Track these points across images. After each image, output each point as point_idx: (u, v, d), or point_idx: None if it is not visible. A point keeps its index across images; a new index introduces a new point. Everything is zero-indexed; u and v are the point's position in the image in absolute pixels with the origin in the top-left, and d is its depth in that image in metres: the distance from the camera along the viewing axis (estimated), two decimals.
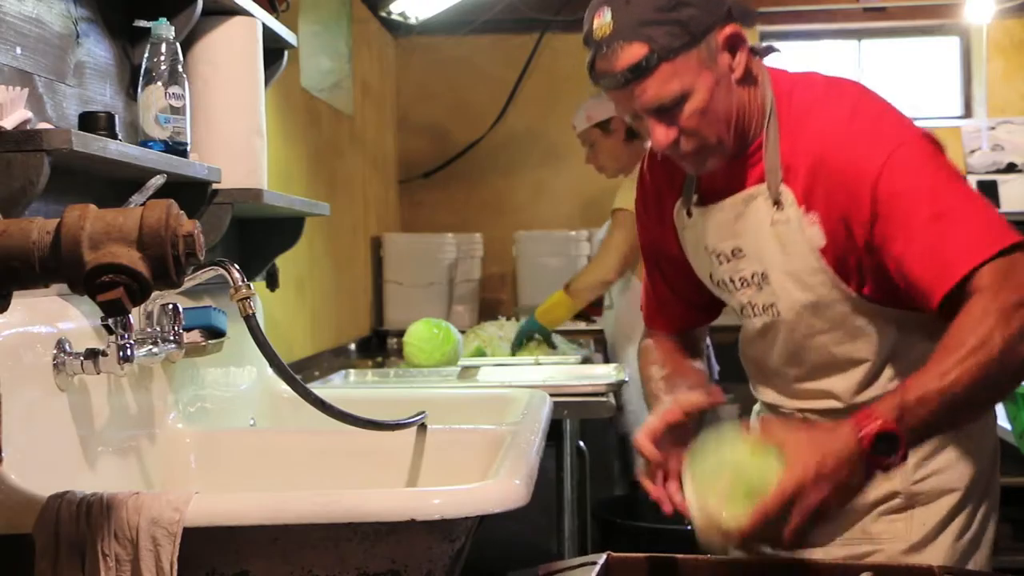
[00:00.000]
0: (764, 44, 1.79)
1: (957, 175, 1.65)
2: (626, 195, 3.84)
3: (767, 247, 1.75)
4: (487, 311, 4.88)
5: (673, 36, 1.61)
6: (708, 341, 3.95)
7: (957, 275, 1.54)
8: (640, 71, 1.63)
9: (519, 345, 3.77)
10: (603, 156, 4.01)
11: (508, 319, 4.14)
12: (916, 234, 1.59)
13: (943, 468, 1.80)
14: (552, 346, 3.83)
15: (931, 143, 1.66)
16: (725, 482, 1.50)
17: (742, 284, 1.81)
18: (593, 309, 4.23)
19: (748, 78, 1.71)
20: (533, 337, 3.80)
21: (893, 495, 1.79)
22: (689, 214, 1.85)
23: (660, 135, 1.70)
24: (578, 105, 4.09)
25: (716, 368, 4.00)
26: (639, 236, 2.02)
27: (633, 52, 1.63)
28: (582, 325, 4.43)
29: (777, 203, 1.72)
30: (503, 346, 3.81)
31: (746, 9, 1.72)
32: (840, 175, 1.64)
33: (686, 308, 2.01)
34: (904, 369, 1.71)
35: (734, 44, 1.67)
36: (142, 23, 1.96)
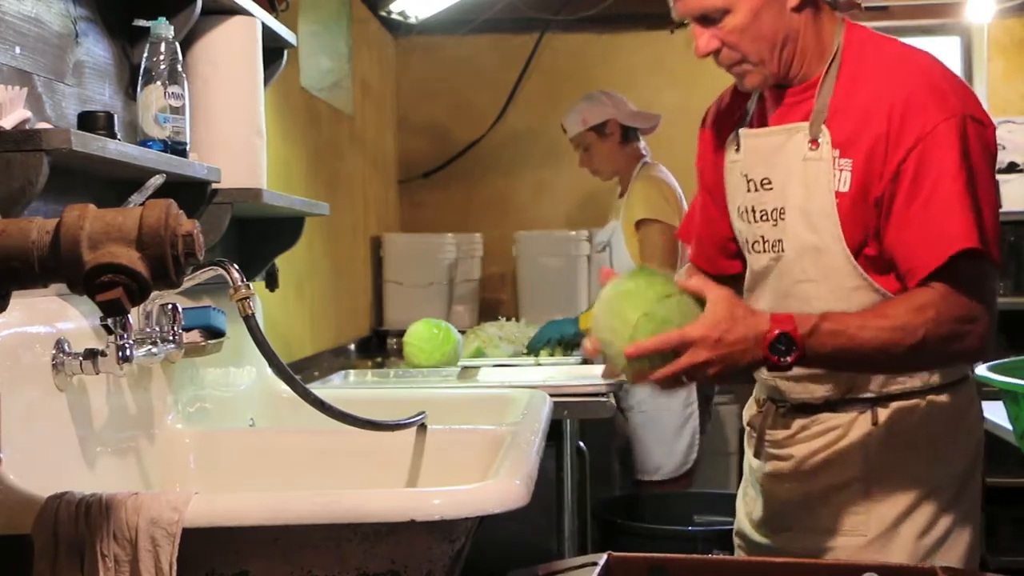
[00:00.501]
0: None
1: (981, 167, 1.77)
2: (645, 204, 3.82)
3: (792, 182, 1.83)
4: (487, 311, 4.88)
5: None
6: None
7: (933, 264, 1.69)
8: None
9: (544, 347, 3.73)
10: (598, 159, 4.00)
11: (508, 319, 4.14)
12: (915, 212, 1.71)
13: (900, 465, 1.85)
14: (574, 347, 3.79)
15: (975, 126, 1.76)
16: (640, 307, 1.65)
17: (761, 217, 1.89)
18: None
19: (806, 10, 1.80)
20: (560, 342, 3.77)
21: (852, 480, 1.86)
22: (738, 148, 1.95)
23: (701, 42, 1.83)
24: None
25: None
26: (699, 156, 2.12)
27: None
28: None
29: (814, 142, 1.80)
30: (503, 346, 3.80)
31: None
32: (893, 132, 1.72)
33: (718, 242, 2.07)
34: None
35: None
36: (141, 22, 1.96)
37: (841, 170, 1.77)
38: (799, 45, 1.82)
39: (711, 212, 2.07)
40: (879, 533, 1.85)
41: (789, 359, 1.64)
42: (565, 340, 3.75)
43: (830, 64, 1.82)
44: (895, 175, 1.73)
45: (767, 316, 1.67)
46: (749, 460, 2.11)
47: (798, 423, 1.93)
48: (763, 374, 1.97)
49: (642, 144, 4.04)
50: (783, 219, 1.85)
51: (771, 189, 1.87)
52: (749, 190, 1.91)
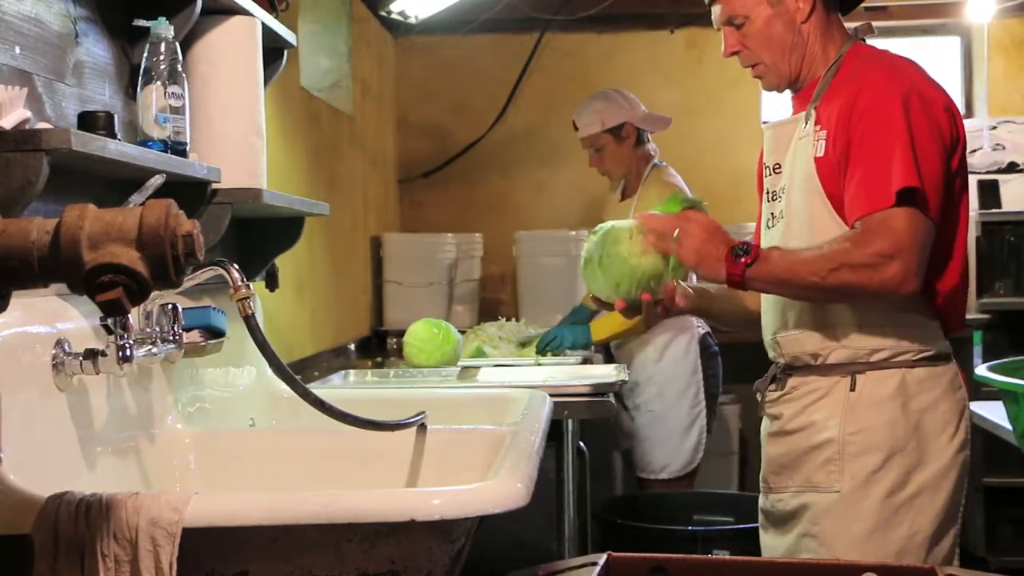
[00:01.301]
0: (864, 23, 2.23)
1: (921, 131, 1.98)
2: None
3: (790, 159, 2.15)
4: (487, 311, 4.88)
5: None
6: (714, 341, 3.97)
7: (876, 206, 1.96)
8: None
9: (556, 350, 3.72)
10: (610, 161, 3.96)
11: (508, 319, 4.14)
12: (859, 162, 2.00)
13: (869, 428, 2.08)
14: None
15: (918, 99, 2.00)
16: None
17: (774, 197, 2.21)
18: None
19: (814, 25, 2.14)
20: (572, 347, 3.75)
21: (829, 442, 2.10)
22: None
23: (727, 44, 2.19)
24: (580, 105, 4.05)
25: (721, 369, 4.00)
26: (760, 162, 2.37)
27: None
28: None
29: (806, 122, 2.12)
30: (503, 346, 3.80)
31: None
32: (849, 104, 2.03)
33: None
34: (829, 325, 2.11)
35: None
36: (141, 22, 1.96)
37: (818, 140, 2.08)
38: (807, 51, 2.15)
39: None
40: (851, 489, 2.08)
41: (744, 260, 1.98)
42: (577, 347, 3.74)
43: (830, 68, 2.14)
44: (848, 141, 2.02)
45: (727, 233, 2.05)
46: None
47: (790, 383, 2.18)
48: (767, 335, 2.25)
49: (651, 145, 4.01)
50: (786, 193, 2.15)
51: (780, 172, 2.19)
52: (768, 175, 2.23)
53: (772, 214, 2.20)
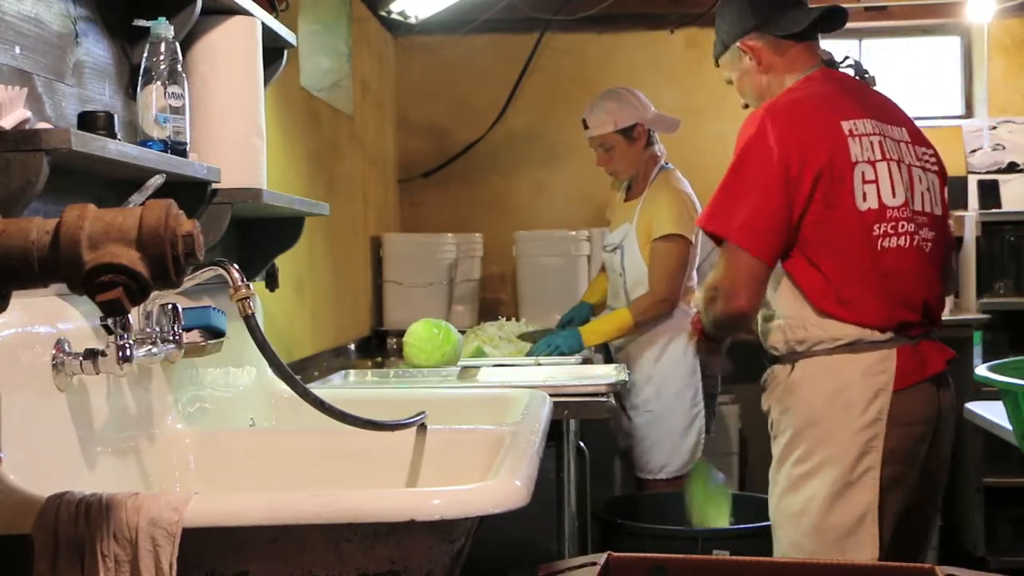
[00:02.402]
0: (828, 55, 2.64)
1: (750, 167, 2.41)
2: (678, 219, 3.79)
3: None
4: (487, 311, 4.88)
5: (717, 45, 2.67)
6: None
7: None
8: (716, 60, 2.72)
9: (544, 354, 3.73)
10: (620, 161, 3.94)
11: (508, 319, 4.14)
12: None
13: (789, 409, 2.46)
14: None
15: (761, 151, 2.40)
16: None
17: None
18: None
19: (766, 74, 2.60)
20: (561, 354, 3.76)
21: (771, 421, 2.53)
22: None
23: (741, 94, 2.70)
24: (590, 103, 4.01)
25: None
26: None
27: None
28: None
29: None
30: (503, 346, 3.80)
31: (770, 16, 2.60)
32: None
33: None
34: (777, 319, 2.51)
35: (745, 50, 2.61)
36: (141, 22, 1.96)
37: None
38: (771, 90, 2.58)
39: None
40: (776, 459, 2.49)
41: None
42: (572, 353, 3.73)
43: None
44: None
45: None
46: None
47: (766, 373, 2.56)
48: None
49: (659, 146, 4.00)
50: None
51: None
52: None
53: None
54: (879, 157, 2.42)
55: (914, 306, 2.42)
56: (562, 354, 3.67)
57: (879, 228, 2.39)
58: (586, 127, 3.95)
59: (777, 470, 2.48)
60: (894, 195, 2.40)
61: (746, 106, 2.66)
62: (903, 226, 2.40)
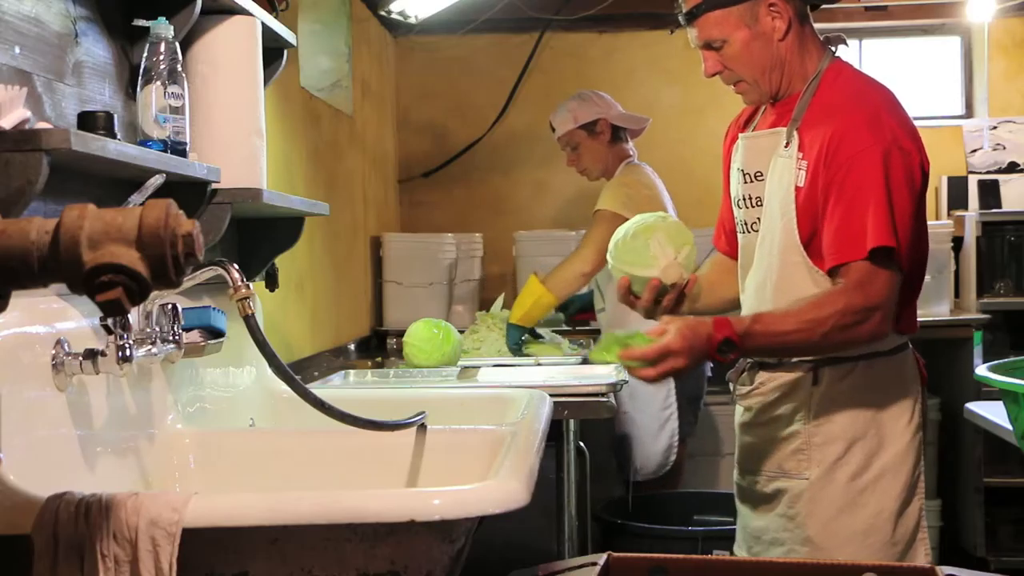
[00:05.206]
0: (836, 34, 2.31)
1: (899, 186, 2.10)
2: (609, 197, 3.84)
3: (773, 174, 2.24)
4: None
5: None
6: None
7: (849, 256, 2.10)
8: (692, 15, 2.21)
9: (519, 352, 3.75)
10: (587, 158, 3.98)
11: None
12: (839, 210, 2.11)
13: (831, 420, 2.24)
14: (539, 337, 3.83)
15: (899, 154, 2.11)
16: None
17: (749, 204, 2.31)
18: (586, 315, 4.22)
19: (791, 41, 2.20)
20: (524, 340, 3.80)
21: (796, 433, 2.27)
22: (738, 150, 2.36)
23: (707, 65, 2.25)
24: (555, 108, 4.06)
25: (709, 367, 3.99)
26: (724, 160, 2.45)
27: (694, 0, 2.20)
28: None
29: (788, 143, 2.21)
30: (503, 345, 3.81)
31: None
32: (833, 146, 2.13)
33: (732, 229, 2.45)
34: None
35: (776, 11, 2.18)
36: (141, 22, 1.96)
37: (800, 169, 2.18)
38: (785, 69, 2.23)
39: (729, 205, 2.45)
40: (819, 476, 2.24)
41: (731, 356, 2.11)
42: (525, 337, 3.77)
43: (809, 84, 2.23)
44: (828, 183, 2.13)
45: (709, 328, 2.07)
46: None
47: (758, 379, 2.33)
48: None
49: (629, 145, 4.03)
50: (762, 204, 2.26)
51: (762, 180, 2.27)
52: (744, 182, 2.32)
53: (746, 222, 2.32)
54: None
55: None
56: (512, 350, 3.70)
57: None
58: (553, 129, 4.00)
59: (823, 487, 2.24)
60: None
61: (716, 73, 2.25)
62: None
